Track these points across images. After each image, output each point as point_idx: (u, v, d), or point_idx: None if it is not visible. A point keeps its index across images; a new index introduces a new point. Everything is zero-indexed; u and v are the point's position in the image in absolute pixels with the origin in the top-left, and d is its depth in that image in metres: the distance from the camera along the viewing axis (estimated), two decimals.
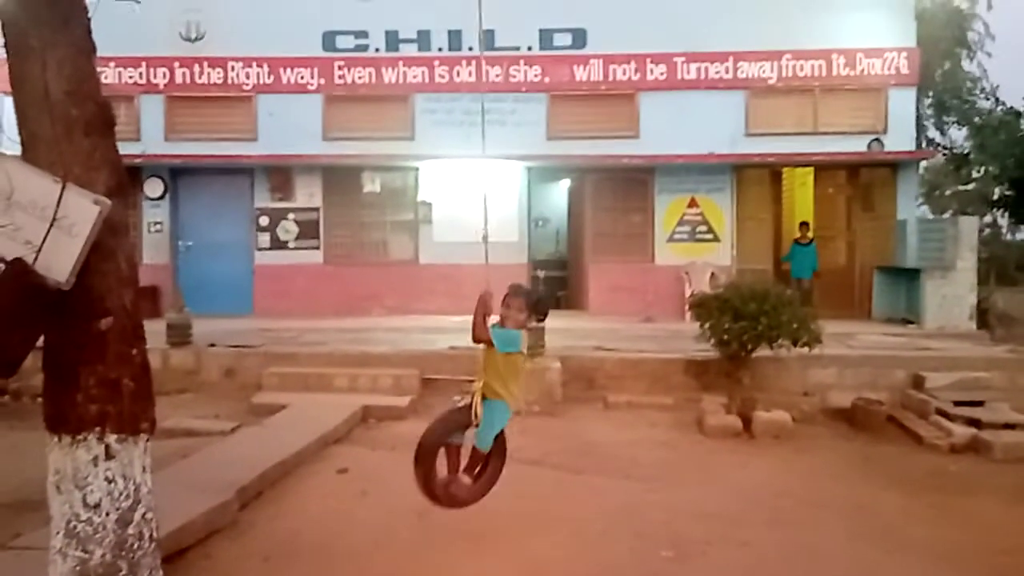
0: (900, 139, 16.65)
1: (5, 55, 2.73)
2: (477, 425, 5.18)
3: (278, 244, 17.03)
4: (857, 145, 16.53)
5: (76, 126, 2.66)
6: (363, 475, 7.34)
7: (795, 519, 6.43)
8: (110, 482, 2.65)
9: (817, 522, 6.37)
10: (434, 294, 16.41)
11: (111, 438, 2.65)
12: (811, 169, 17.89)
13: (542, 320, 5.61)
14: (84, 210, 2.55)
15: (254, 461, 7.05)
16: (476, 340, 5.14)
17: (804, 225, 16.75)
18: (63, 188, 2.53)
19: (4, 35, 2.70)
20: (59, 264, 2.53)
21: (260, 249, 17.08)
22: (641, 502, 6.76)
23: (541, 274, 17.10)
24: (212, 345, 11.57)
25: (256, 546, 5.62)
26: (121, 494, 2.67)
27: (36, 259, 2.51)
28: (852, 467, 8.15)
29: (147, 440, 2.79)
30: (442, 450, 5.31)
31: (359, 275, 16.70)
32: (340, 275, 16.85)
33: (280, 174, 16.94)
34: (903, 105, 16.85)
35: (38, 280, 2.50)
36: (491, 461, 5.40)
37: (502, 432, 5.34)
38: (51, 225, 2.53)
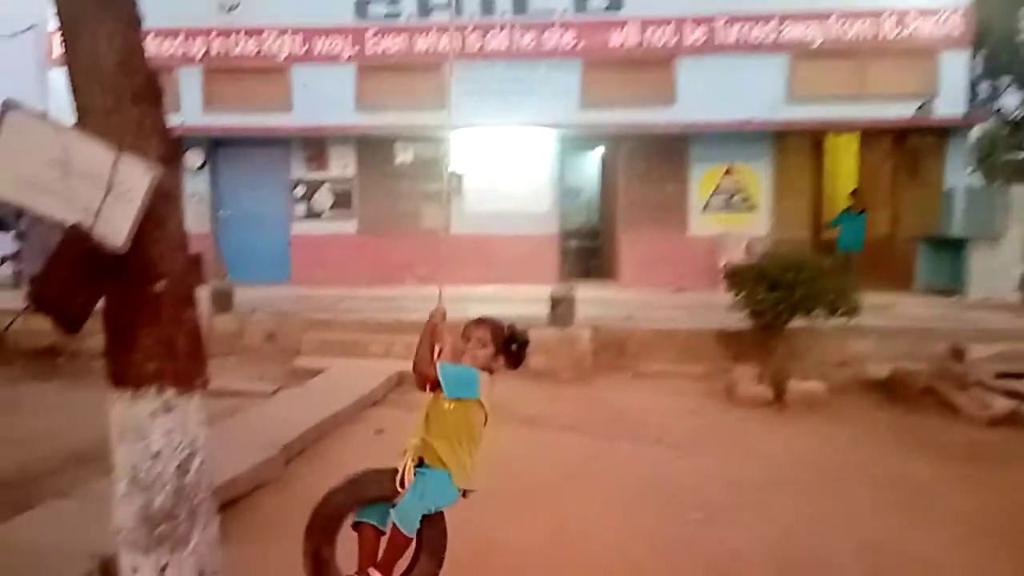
0: (951, 103, 16.13)
1: (58, 30, 2.85)
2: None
3: (313, 214, 17.25)
4: (905, 110, 16.02)
5: (126, 97, 2.77)
6: (399, 436, 7.48)
7: (825, 487, 6.50)
8: (169, 434, 2.80)
9: (848, 491, 6.43)
10: (465, 264, 16.50)
11: (169, 393, 2.80)
12: (856, 135, 17.54)
13: (515, 366, 3.86)
14: (137, 178, 2.67)
15: (297, 421, 7.31)
16: (419, 377, 3.69)
17: (856, 193, 16.12)
18: (117, 157, 2.64)
19: (58, 11, 2.83)
20: (115, 230, 2.65)
21: (296, 219, 17.29)
22: (671, 468, 6.87)
23: (573, 244, 17.16)
24: (254, 311, 11.82)
25: (301, 499, 5.77)
26: (179, 445, 2.82)
27: (94, 225, 2.63)
28: (886, 437, 8.16)
29: (202, 395, 2.94)
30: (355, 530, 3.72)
31: (392, 245, 16.86)
32: (374, 245, 17.03)
33: (315, 145, 17.11)
34: (955, 67, 16.32)
35: (96, 245, 2.63)
36: (420, 557, 3.71)
37: (442, 518, 3.72)
38: (107, 192, 2.65)
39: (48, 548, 4.43)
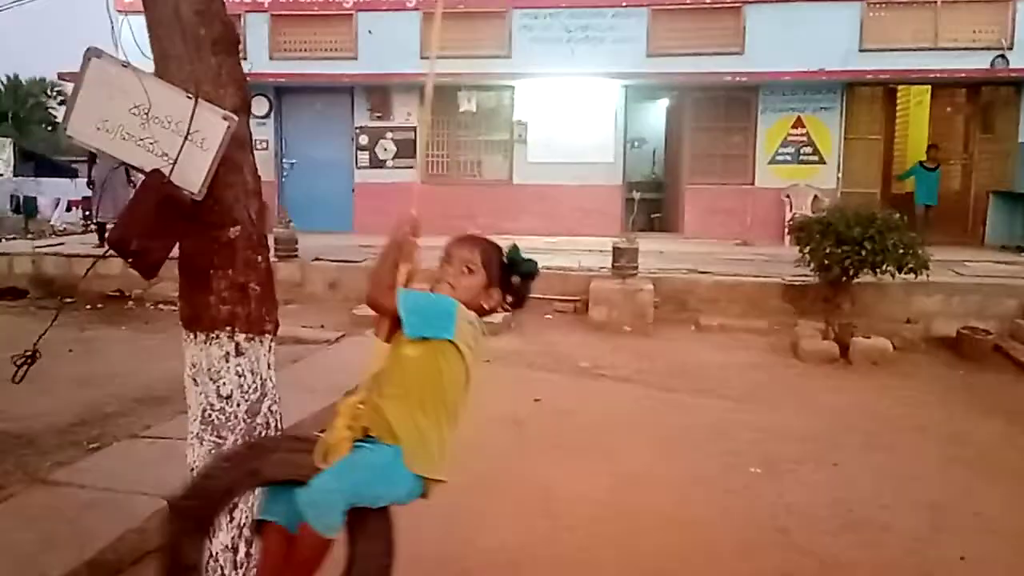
0: None
1: None
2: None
3: (377, 163, 17.31)
4: (979, 62, 15.56)
5: (204, 44, 2.82)
6: None
7: (889, 443, 6.46)
8: (240, 376, 2.88)
9: (911, 447, 6.39)
10: (527, 214, 16.50)
11: (240, 337, 2.87)
12: (928, 87, 17.09)
13: (515, 305, 2.83)
14: (214, 125, 2.72)
15: (359, 367, 7.38)
16: (374, 308, 2.65)
17: (933, 148, 15.87)
18: (195, 104, 2.69)
19: None
20: (192, 176, 2.71)
21: (360, 167, 17.39)
22: (732, 421, 6.87)
23: (636, 196, 17.05)
24: (317, 259, 12.00)
25: None
26: (250, 387, 2.90)
27: (172, 171, 2.69)
28: (953, 395, 8.08)
29: (272, 340, 3.01)
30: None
31: (454, 194, 16.86)
32: (435, 194, 17.06)
33: (378, 93, 17.13)
34: None
35: (174, 191, 2.70)
36: (351, 569, 2.45)
37: (386, 523, 2.50)
38: (185, 139, 2.70)
39: (118, 488, 4.57)
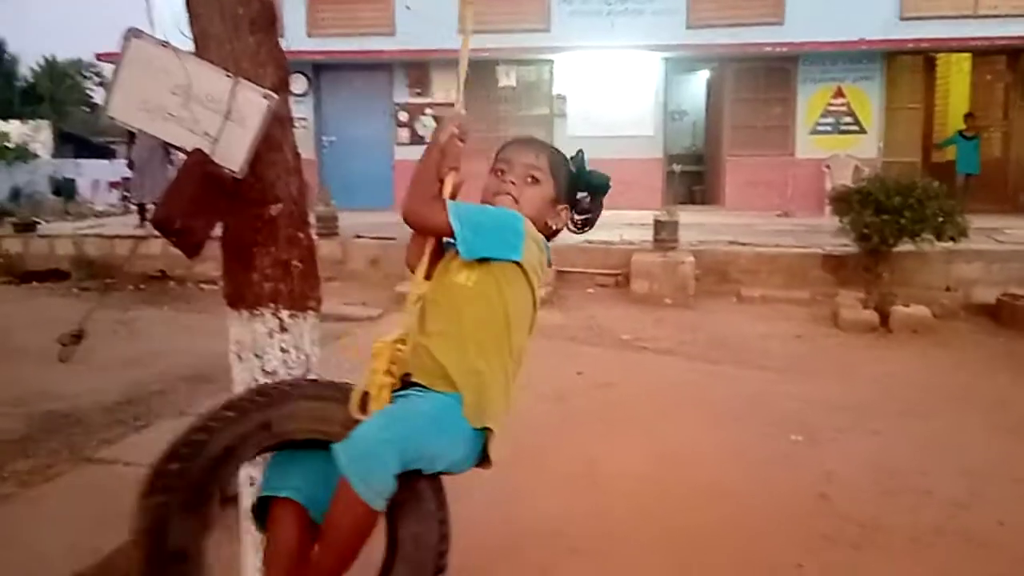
0: None
1: None
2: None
3: (417, 139, 17.32)
4: (1020, 29, 15.32)
5: (243, 23, 2.84)
6: None
7: (930, 411, 6.43)
8: (284, 352, 2.92)
9: (953, 414, 6.36)
10: None
11: (284, 313, 2.91)
12: (968, 56, 16.86)
13: (584, 225, 2.48)
14: (255, 104, 2.74)
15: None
16: (413, 221, 2.33)
17: (970, 116, 15.75)
18: (235, 83, 2.72)
19: None
20: (234, 154, 2.73)
21: (399, 144, 17.43)
22: (773, 391, 6.87)
23: (677, 168, 16.94)
24: (358, 236, 12.08)
25: None
26: (294, 363, 2.93)
27: (214, 150, 2.72)
28: (994, 362, 8.03)
29: (315, 316, 3.04)
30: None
31: None
32: (476, 170, 17.03)
33: (417, 69, 17.14)
34: None
35: (216, 169, 2.72)
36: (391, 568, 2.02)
37: (438, 494, 2.05)
38: (226, 118, 2.73)
39: None
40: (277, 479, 2.07)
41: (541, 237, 2.22)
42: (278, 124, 2.88)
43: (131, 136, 12.71)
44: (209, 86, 2.74)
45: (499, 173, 2.38)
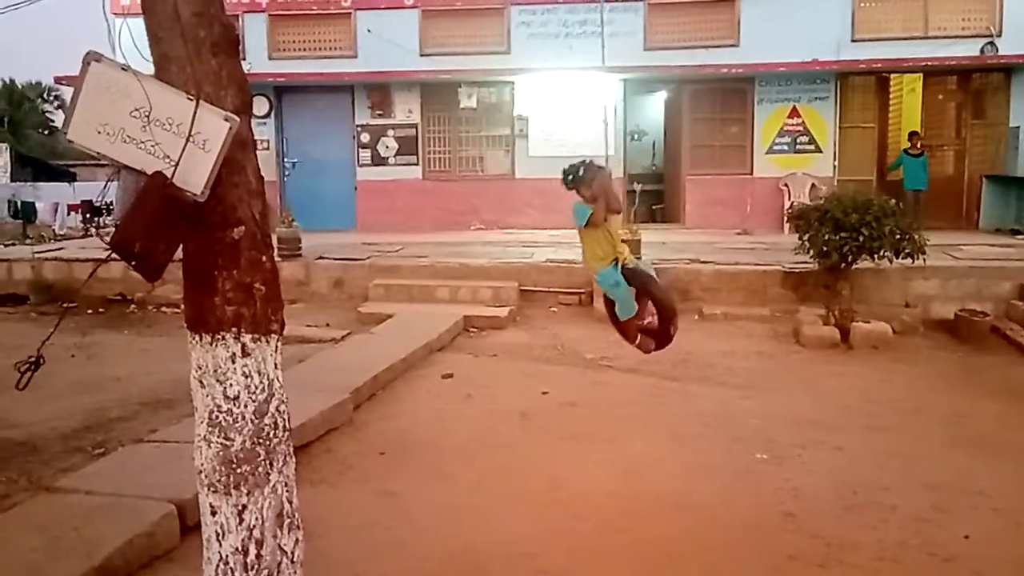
0: (1016, 42, 15.59)
1: None
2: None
3: (379, 160, 17.30)
4: (969, 49, 15.69)
5: (204, 46, 2.82)
6: (467, 380, 7.64)
7: (891, 425, 6.50)
8: (247, 377, 2.88)
9: (913, 429, 6.43)
10: (530, 208, 16.52)
11: (246, 337, 2.87)
12: (919, 75, 17.13)
13: (584, 188, 5.06)
14: (216, 127, 2.73)
15: (366, 365, 7.44)
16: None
17: (914, 135, 15.99)
18: (196, 106, 2.71)
19: None
20: (195, 177, 2.72)
21: (361, 165, 17.38)
22: (736, 408, 6.91)
23: (638, 187, 17.06)
24: (321, 258, 12.03)
25: (371, 442, 5.98)
26: (257, 388, 2.90)
27: (174, 173, 2.70)
28: (952, 377, 8.15)
29: (278, 340, 3.01)
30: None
31: (457, 190, 16.92)
32: (438, 190, 17.08)
33: (379, 91, 17.12)
34: (1020, 5, 15.81)
35: (177, 192, 2.70)
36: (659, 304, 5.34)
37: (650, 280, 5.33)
38: (187, 141, 2.72)
39: (125, 493, 4.57)
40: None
41: (585, 208, 5.03)
42: (240, 147, 2.86)
43: (117, 170, 12.50)
44: (170, 109, 2.73)
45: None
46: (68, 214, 21.99)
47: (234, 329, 2.88)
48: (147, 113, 2.71)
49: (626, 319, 5.28)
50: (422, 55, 16.89)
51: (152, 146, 2.73)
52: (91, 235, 17.78)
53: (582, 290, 10.94)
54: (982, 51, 15.76)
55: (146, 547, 4.09)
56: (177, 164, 2.70)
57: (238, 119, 2.77)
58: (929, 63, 15.75)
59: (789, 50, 15.74)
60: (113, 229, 11.40)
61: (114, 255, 2.77)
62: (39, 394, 6.37)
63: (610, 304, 5.34)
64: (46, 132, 46.72)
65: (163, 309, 11.21)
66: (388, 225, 16.43)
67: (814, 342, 9.14)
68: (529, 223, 16.23)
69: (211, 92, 2.78)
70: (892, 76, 17.31)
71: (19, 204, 21.53)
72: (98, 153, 2.82)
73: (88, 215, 19.86)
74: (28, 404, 6.26)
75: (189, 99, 2.71)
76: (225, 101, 2.82)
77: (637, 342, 5.43)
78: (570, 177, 5.08)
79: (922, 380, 8.00)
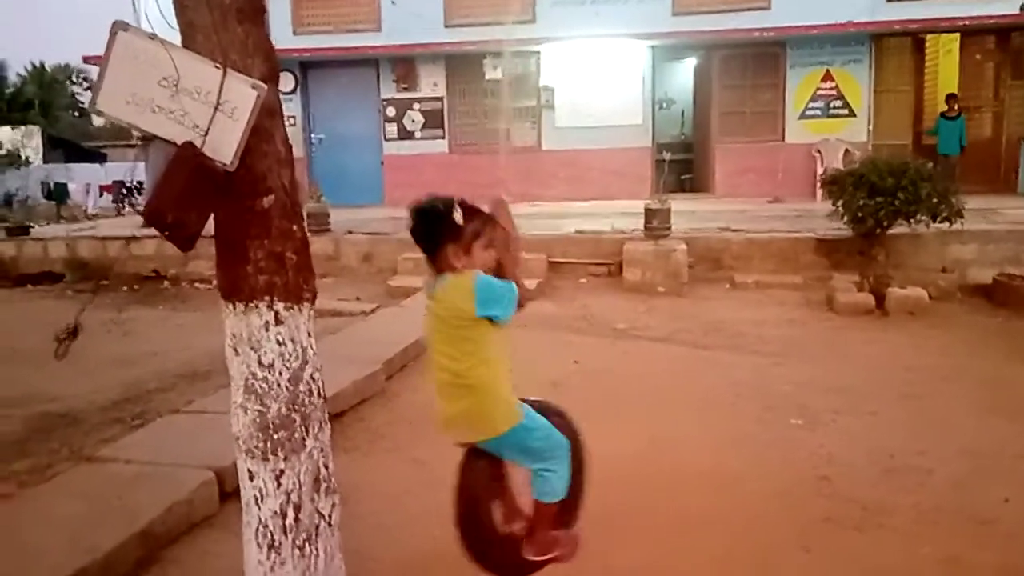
0: None
1: None
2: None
3: (405, 134, 17.32)
4: (1008, 7, 15.33)
5: (230, 14, 2.81)
6: None
7: (927, 392, 6.41)
8: (281, 344, 2.90)
9: (950, 395, 6.34)
10: (557, 180, 16.47)
11: (279, 306, 2.89)
12: (956, 36, 16.78)
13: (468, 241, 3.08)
14: (244, 95, 2.72)
15: (396, 338, 7.47)
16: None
17: (951, 97, 15.70)
18: (224, 74, 2.70)
19: None
20: (224, 146, 2.72)
21: (388, 140, 17.40)
22: (769, 376, 6.85)
23: (667, 157, 16.96)
24: (350, 232, 12.06)
25: (402, 412, 6.01)
26: (291, 355, 2.92)
27: (203, 143, 2.70)
28: (990, 342, 8.03)
29: (311, 308, 3.03)
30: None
31: (483, 163, 16.83)
32: (465, 164, 17.03)
33: (404, 64, 17.11)
34: None
35: (207, 161, 2.71)
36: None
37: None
38: (215, 110, 2.71)
39: (163, 462, 4.63)
40: None
41: (508, 284, 3.14)
42: (268, 115, 2.85)
43: (144, 140, 12.60)
44: (197, 78, 2.72)
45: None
46: (100, 195, 22.23)
47: (267, 297, 2.90)
48: (175, 82, 2.70)
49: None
50: (446, 27, 16.81)
51: (181, 116, 2.72)
52: (123, 214, 17.94)
53: (611, 261, 10.90)
54: (1021, 8, 15.34)
55: (186, 514, 4.15)
56: (206, 133, 2.70)
57: (265, 87, 2.76)
58: (967, 22, 15.39)
59: (822, 12, 15.45)
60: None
61: (147, 230, 2.79)
62: (77, 369, 6.47)
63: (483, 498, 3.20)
64: (77, 114, 47.09)
65: (196, 285, 11.33)
66: (416, 198, 16.36)
67: (848, 309, 9.04)
68: (557, 195, 16.19)
69: (238, 60, 2.78)
70: (928, 37, 16.94)
71: (52, 186, 21.78)
72: (127, 123, 2.83)
73: (120, 195, 20.06)
74: (67, 378, 6.38)
75: (216, 67, 2.71)
76: (252, 69, 2.81)
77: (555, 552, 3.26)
78: (433, 220, 3.13)
79: (959, 346, 7.89)
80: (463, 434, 3.12)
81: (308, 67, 17.33)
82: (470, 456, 3.16)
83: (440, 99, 17.19)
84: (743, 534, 4.14)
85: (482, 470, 3.16)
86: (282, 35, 16.66)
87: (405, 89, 17.23)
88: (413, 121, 17.26)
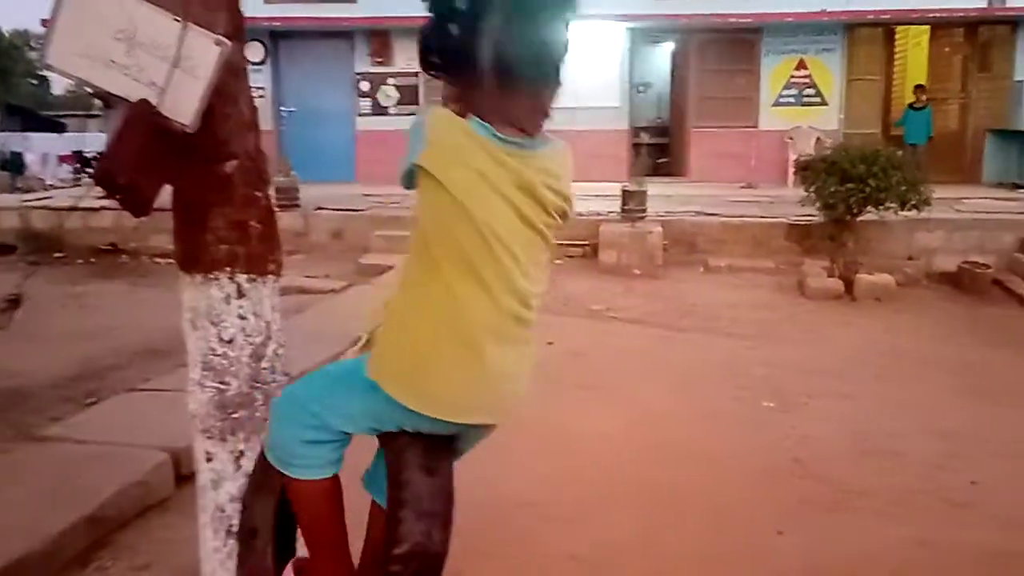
0: None
1: None
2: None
3: (379, 110, 17.02)
4: (977, 1, 15.47)
5: None
6: None
7: (900, 374, 6.49)
8: (243, 319, 2.74)
9: (923, 377, 6.42)
10: None
11: (241, 277, 2.73)
12: (926, 29, 16.96)
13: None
14: (206, 51, 2.56)
15: (365, 315, 7.30)
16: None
17: (919, 88, 15.81)
18: (184, 28, 2.52)
19: None
20: (183, 106, 2.55)
21: (361, 115, 17.11)
22: (743, 358, 6.88)
23: (645, 139, 16.87)
24: (319, 208, 11.86)
25: None
26: (253, 330, 2.76)
27: (161, 101, 2.53)
28: (958, 327, 8.20)
29: (275, 281, 2.86)
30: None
31: None
32: None
33: (379, 38, 16.78)
34: None
35: (164, 121, 2.53)
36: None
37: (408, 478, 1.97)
38: (174, 66, 2.54)
39: (117, 441, 4.48)
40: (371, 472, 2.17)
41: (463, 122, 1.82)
42: (232, 75, 2.68)
43: (107, 107, 12.26)
44: (156, 32, 2.54)
45: None
46: (59, 165, 21.77)
47: (228, 268, 2.72)
48: (131, 36, 2.53)
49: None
50: (423, 0, 16.51)
51: (137, 71, 2.54)
52: (82, 185, 17.58)
53: (586, 242, 10.83)
54: (990, 3, 15.52)
55: (139, 496, 3.99)
56: (164, 91, 2.52)
57: (230, 44, 2.59)
58: (937, 15, 15.57)
59: (797, 0, 15.41)
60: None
61: (103, 200, 2.62)
62: (29, 344, 6.26)
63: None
64: (35, 82, 46.25)
65: (157, 260, 11.02)
66: (389, 177, 15.98)
67: (819, 294, 9.15)
68: None
69: (200, 14, 2.59)
70: (899, 29, 17.05)
71: (8, 155, 21.29)
72: (80, 79, 2.64)
73: (79, 166, 19.65)
74: (18, 353, 6.14)
75: (176, 21, 2.53)
76: (216, 24, 2.63)
77: None
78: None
79: (927, 330, 8.02)
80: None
81: (279, 37, 16.95)
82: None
83: (416, 74, 16.90)
84: (719, 513, 4.11)
85: None
86: (252, 2, 16.25)
87: (380, 63, 16.92)
88: (388, 96, 16.97)
